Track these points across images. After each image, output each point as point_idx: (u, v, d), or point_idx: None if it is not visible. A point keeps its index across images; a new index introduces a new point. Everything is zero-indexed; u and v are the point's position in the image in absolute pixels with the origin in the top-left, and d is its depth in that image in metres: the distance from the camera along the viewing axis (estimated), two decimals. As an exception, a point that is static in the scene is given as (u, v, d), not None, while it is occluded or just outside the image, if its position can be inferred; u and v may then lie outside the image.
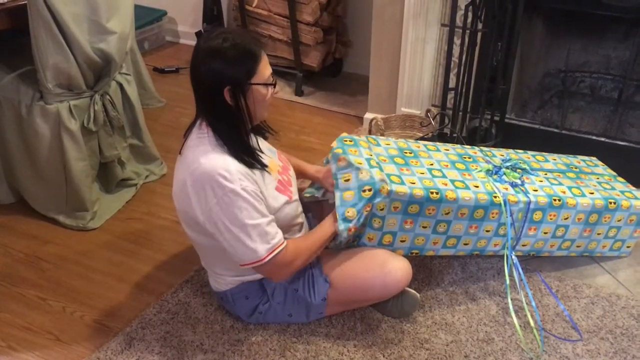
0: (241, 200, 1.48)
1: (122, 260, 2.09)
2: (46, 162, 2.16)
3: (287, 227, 1.69)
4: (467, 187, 1.79)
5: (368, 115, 2.93)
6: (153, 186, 2.51)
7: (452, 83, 2.55)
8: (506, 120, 2.60)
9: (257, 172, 1.58)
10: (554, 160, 2.16)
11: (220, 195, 1.48)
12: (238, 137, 1.56)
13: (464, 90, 2.53)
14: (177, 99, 3.28)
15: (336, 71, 3.58)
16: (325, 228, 1.68)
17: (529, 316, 1.82)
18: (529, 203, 1.84)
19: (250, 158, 1.57)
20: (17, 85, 2.12)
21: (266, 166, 1.61)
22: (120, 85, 2.33)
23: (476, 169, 1.94)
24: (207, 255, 1.74)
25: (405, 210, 1.71)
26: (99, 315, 1.85)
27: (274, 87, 1.58)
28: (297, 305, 1.75)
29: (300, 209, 1.78)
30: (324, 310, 1.77)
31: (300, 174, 1.94)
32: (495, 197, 1.80)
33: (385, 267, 1.70)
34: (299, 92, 3.33)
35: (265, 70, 1.53)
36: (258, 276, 1.70)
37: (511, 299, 1.86)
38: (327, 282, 1.72)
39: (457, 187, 1.78)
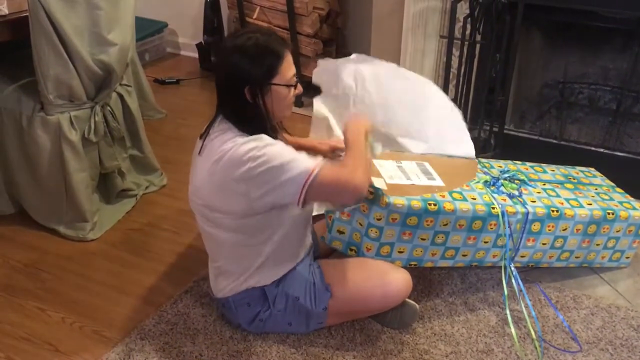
0: (276, 150, 1.52)
1: (122, 271, 2.09)
2: (46, 172, 2.17)
3: (302, 228, 1.73)
4: (465, 199, 1.80)
5: (367, 126, 2.94)
6: (153, 197, 2.52)
7: (451, 94, 2.57)
8: (505, 131, 2.62)
9: None
10: (552, 172, 2.16)
11: (257, 155, 1.50)
12: (259, 132, 1.58)
13: (462, 101, 2.55)
14: (178, 110, 3.30)
15: (336, 82, 3.59)
16: (353, 142, 1.64)
17: (529, 326, 1.82)
18: (527, 214, 1.84)
19: None
20: (18, 96, 2.14)
21: None
22: (121, 97, 2.35)
23: (474, 180, 1.94)
24: (220, 255, 1.73)
25: (403, 222, 1.71)
26: (98, 326, 1.85)
27: (296, 88, 1.62)
28: (298, 314, 1.75)
29: (311, 214, 1.81)
30: (324, 320, 1.77)
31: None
32: (493, 208, 1.80)
33: (385, 278, 1.71)
34: (298, 103, 3.34)
35: (288, 71, 1.57)
36: (262, 282, 1.71)
37: (511, 310, 1.86)
38: (329, 291, 1.73)
39: (454, 199, 1.78)
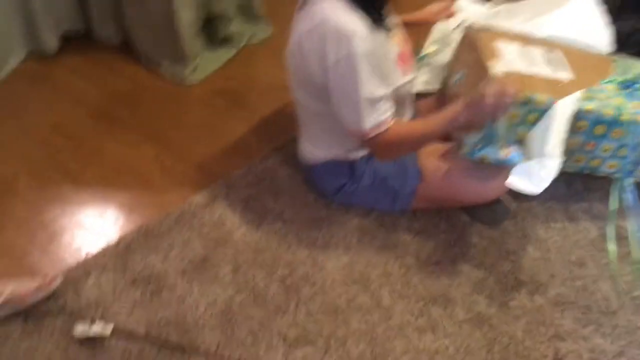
0: (360, 66, 1.38)
1: (216, 118, 2.08)
2: (155, 4, 2.11)
3: (399, 103, 1.59)
4: (591, 99, 1.59)
5: None
6: (255, 48, 2.44)
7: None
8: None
9: (381, 35, 1.47)
10: None
11: (341, 55, 1.37)
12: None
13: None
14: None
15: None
16: (445, 113, 1.44)
17: (632, 246, 1.67)
18: None
19: (378, 18, 1.44)
20: None
21: (390, 30, 1.51)
22: None
23: (607, 79, 1.71)
24: (310, 122, 1.67)
25: (523, 120, 1.55)
26: (188, 167, 1.88)
27: None
28: (384, 193, 1.68)
29: (412, 91, 1.68)
30: (411, 203, 1.70)
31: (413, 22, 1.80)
32: (622, 114, 1.59)
33: (485, 171, 1.58)
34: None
35: None
36: (351, 157, 1.64)
37: (615, 226, 1.71)
38: (420, 175, 1.63)
39: (580, 98, 1.58)
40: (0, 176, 1.80)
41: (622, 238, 1.72)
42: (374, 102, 1.42)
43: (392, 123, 1.46)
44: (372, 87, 1.41)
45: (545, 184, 1.50)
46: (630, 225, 1.72)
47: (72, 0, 2.22)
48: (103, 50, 2.32)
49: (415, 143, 1.52)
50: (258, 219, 1.70)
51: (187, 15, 2.11)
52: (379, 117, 1.43)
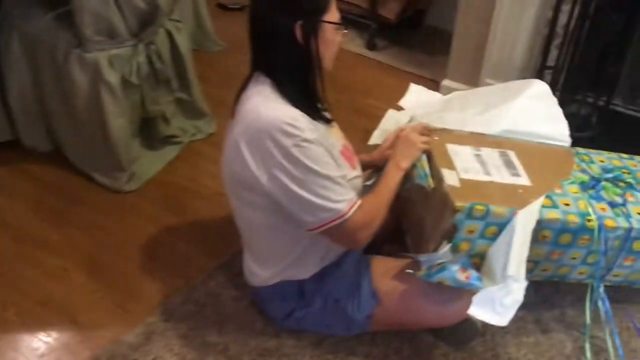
0: (315, 149, 1.28)
1: (155, 233, 1.91)
2: (83, 114, 1.97)
3: None
4: (554, 206, 1.47)
5: (446, 83, 2.57)
6: (199, 146, 2.30)
7: (552, 57, 2.16)
8: (612, 106, 2.20)
9: (321, 127, 1.37)
10: (670, 170, 1.77)
11: (288, 145, 1.26)
12: (305, 85, 1.35)
13: (565, 67, 2.14)
14: (238, 43, 2.98)
15: (415, 23, 3.18)
16: (390, 174, 1.46)
17: (611, 361, 1.53)
18: (630, 230, 1.49)
19: (315, 110, 1.36)
20: (55, 28, 1.92)
21: (331, 120, 1.43)
22: (169, 34, 2.08)
23: (568, 179, 1.60)
24: (253, 237, 1.52)
25: (482, 234, 1.42)
26: (120, 297, 1.69)
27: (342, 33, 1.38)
28: (337, 317, 1.52)
29: (361, 186, 1.54)
30: (368, 327, 1.53)
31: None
32: (588, 220, 1.47)
33: (445, 294, 1.44)
34: (370, 46, 2.98)
35: (336, 10, 1.35)
36: (299, 277, 1.49)
37: (591, 337, 1.56)
38: (376, 298, 1.48)
39: (542, 205, 1.45)
40: None
41: (600, 351, 1.58)
42: (340, 181, 1.33)
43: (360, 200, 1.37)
44: (333, 167, 1.32)
45: (512, 312, 1.35)
46: (607, 335, 1.57)
47: (-5, 110, 2.07)
48: (31, 160, 2.15)
49: (385, 207, 1.43)
50: (199, 358, 1.52)
51: (119, 122, 1.96)
52: (348, 194, 1.34)
